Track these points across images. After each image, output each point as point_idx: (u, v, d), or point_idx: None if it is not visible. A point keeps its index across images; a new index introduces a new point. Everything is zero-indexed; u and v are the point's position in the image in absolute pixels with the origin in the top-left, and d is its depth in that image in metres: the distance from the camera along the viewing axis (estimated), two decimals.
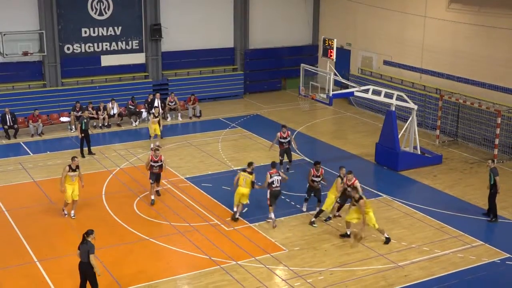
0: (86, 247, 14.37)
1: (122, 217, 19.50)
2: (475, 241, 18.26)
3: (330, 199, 18.96)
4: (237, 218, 19.20)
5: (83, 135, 24.86)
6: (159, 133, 25.95)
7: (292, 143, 23.04)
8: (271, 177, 18.71)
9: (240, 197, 19.02)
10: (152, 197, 20.50)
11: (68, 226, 18.87)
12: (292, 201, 20.76)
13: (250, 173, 18.93)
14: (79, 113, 28.00)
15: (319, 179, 19.24)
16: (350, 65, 34.52)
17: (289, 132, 22.91)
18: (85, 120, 25.03)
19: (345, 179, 18.68)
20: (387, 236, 18.00)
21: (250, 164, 19.22)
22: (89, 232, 14.57)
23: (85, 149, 25.11)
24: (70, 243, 17.50)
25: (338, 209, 19.41)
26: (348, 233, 18.21)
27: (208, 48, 34.16)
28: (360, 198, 17.61)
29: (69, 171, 19.03)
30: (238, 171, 21.33)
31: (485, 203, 20.27)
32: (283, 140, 22.73)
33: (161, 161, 20.38)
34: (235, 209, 19.34)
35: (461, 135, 27.44)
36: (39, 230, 18.65)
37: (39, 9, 29.32)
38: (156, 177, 20.55)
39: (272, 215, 18.93)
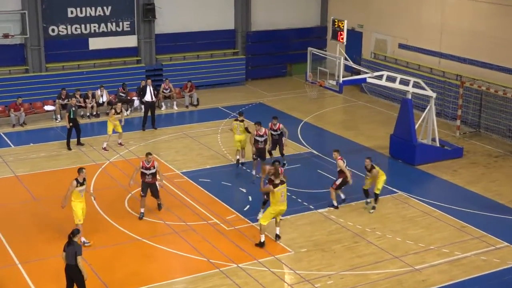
0: (73, 249, 14.29)
1: (112, 216, 19.46)
2: (499, 242, 18.18)
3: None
4: (243, 163, 22.73)
5: (71, 124, 24.80)
6: (121, 130, 25.05)
7: (285, 136, 22.80)
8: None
9: (238, 144, 22.66)
10: (142, 210, 19.17)
11: (53, 225, 18.81)
12: (298, 198, 20.70)
13: (242, 121, 22.55)
14: (65, 101, 27.95)
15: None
16: (362, 48, 34.40)
17: (281, 124, 22.64)
18: (73, 108, 24.99)
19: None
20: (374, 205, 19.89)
21: (240, 113, 22.93)
22: (75, 232, 14.50)
23: (73, 140, 25.03)
24: (54, 244, 17.43)
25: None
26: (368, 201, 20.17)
27: (207, 30, 34.05)
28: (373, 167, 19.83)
29: (76, 185, 17.24)
30: (232, 120, 24.25)
31: (510, 200, 20.19)
32: (273, 133, 22.66)
33: (154, 167, 18.88)
34: (237, 156, 22.80)
35: (484, 126, 27.34)
36: (21, 229, 18.61)
37: None
38: (151, 189, 19.04)
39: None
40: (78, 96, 28.35)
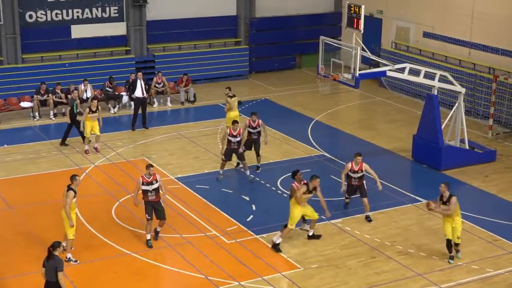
0: (53, 264, 14.43)
1: (98, 226, 19.56)
2: None
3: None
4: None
5: (71, 121, 25.36)
6: (98, 133, 24.88)
7: (262, 134, 23.18)
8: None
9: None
10: (148, 236, 18.39)
11: (31, 237, 18.93)
12: None
13: (234, 96, 25.37)
14: (45, 97, 28.17)
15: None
16: (381, 38, 34.48)
17: (260, 121, 23.00)
18: (77, 102, 25.55)
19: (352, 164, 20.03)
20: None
21: (229, 88, 25.88)
22: (55, 245, 14.62)
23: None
24: (32, 258, 17.54)
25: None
26: None
27: (205, 17, 34.18)
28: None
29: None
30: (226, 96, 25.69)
31: None
32: (251, 130, 23.00)
33: (156, 181, 18.06)
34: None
35: None
36: None
37: None
38: (156, 209, 18.20)
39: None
40: (59, 91, 28.58)
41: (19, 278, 17.01)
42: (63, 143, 25.54)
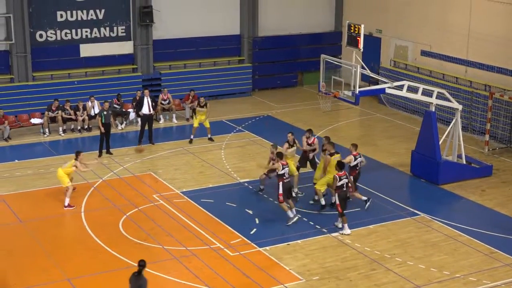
0: (140, 282, 14.19)
1: (105, 239, 19.55)
2: None
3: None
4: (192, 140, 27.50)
5: (103, 130, 25.85)
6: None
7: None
8: (282, 168, 20.25)
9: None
10: None
11: (40, 250, 18.93)
12: (310, 220, 20.79)
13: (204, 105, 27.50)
14: (55, 113, 28.30)
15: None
16: (380, 56, 34.55)
17: (315, 138, 23.30)
18: (105, 113, 26.01)
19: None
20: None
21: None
22: (144, 264, 14.30)
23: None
24: (42, 270, 17.57)
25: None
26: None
27: (209, 36, 34.30)
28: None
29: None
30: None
31: None
32: (308, 148, 23.19)
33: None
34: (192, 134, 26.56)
35: None
36: (5, 255, 18.68)
37: None
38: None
39: (290, 213, 20.36)
40: (68, 108, 28.69)
41: None
42: (100, 152, 26.10)
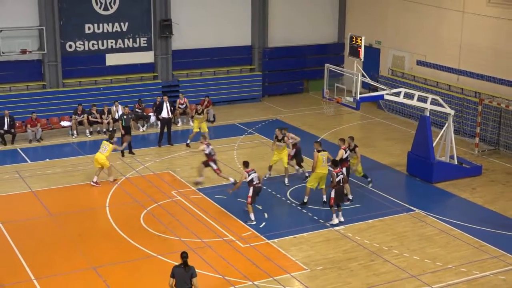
0: (190, 272, 13.88)
1: (128, 232, 19.58)
2: None
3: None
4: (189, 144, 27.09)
5: (124, 133, 25.88)
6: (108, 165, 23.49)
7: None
8: (249, 175, 20.22)
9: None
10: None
11: (68, 241, 18.98)
12: (314, 215, 20.75)
13: (201, 112, 27.46)
14: (81, 117, 28.39)
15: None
16: (379, 65, 34.45)
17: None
18: (125, 117, 26.14)
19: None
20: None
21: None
22: (187, 255, 13.98)
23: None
24: (70, 259, 17.62)
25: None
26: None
27: (223, 46, 34.28)
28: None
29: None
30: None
31: None
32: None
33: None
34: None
35: (503, 144, 27.24)
36: (36, 245, 18.78)
37: (39, 3, 29.59)
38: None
39: (252, 216, 20.20)
40: (94, 112, 28.75)
41: (58, 277, 17.04)
42: (130, 152, 26.27)
